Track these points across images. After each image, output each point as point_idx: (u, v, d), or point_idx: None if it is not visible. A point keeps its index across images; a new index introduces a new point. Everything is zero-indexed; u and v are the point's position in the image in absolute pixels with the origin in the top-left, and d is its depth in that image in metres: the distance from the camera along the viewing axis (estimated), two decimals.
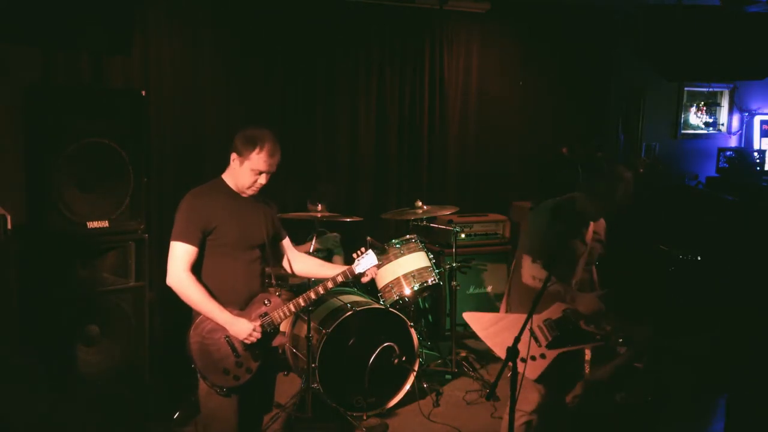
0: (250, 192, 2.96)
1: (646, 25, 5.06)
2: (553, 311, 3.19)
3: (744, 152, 7.76)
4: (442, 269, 5.07)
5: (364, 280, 3.12)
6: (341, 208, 5.20)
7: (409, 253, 4.59)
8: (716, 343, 5.00)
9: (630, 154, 7.16)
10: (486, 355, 5.21)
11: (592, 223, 3.35)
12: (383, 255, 4.49)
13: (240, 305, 2.93)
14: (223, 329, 2.86)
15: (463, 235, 5.59)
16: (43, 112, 3.59)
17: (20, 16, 3.45)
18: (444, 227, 5.35)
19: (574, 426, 3.76)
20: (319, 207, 4.67)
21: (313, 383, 4.10)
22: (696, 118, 7.88)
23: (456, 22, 6.19)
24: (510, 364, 2.61)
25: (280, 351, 4.22)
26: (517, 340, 2.61)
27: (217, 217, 2.88)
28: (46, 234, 3.57)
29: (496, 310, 3.55)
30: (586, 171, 3.28)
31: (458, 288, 5.19)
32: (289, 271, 3.25)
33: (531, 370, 3.03)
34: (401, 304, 4.57)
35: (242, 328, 2.85)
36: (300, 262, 3.27)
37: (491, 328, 3.18)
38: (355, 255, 3.11)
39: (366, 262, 3.08)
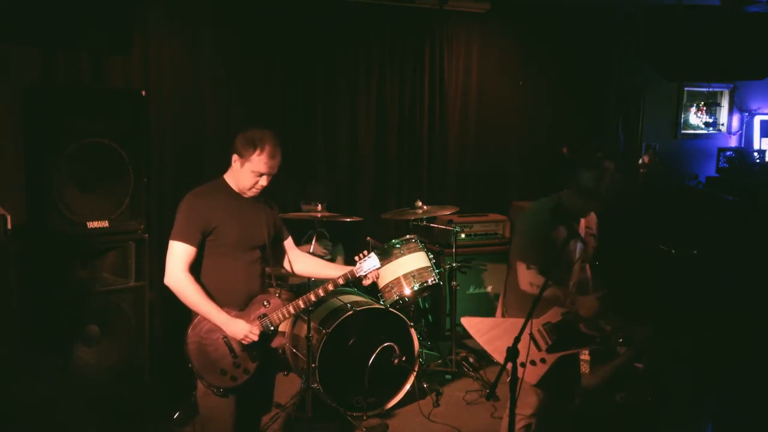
0: (251, 193, 2.96)
1: (646, 25, 5.06)
2: (553, 315, 3.17)
3: (744, 152, 7.77)
4: (442, 269, 5.07)
5: (366, 282, 3.11)
6: (341, 208, 5.20)
7: (409, 253, 4.59)
8: (715, 343, 5.00)
9: (629, 154, 7.16)
10: (486, 356, 5.14)
11: (583, 219, 3.33)
12: (386, 258, 4.49)
13: (239, 306, 2.93)
14: (222, 330, 2.86)
15: (463, 235, 5.59)
16: (43, 112, 3.60)
17: (20, 16, 3.45)
18: (444, 227, 5.35)
19: (575, 427, 3.76)
20: (319, 207, 4.67)
21: (313, 383, 4.10)
22: (696, 118, 7.88)
23: (456, 22, 6.19)
24: (509, 367, 2.59)
25: (279, 352, 4.21)
26: (517, 340, 2.59)
27: (217, 217, 2.88)
28: (46, 234, 3.57)
29: (496, 309, 3.54)
30: (570, 167, 3.25)
31: (458, 288, 5.19)
32: (290, 271, 3.24)
33: (531, 375, 3.01)
34: (401, 304, 4.57)
35: (239, 328, 2.84)
36: (302, 262, 3.26)
37: (489, 333, 3.15)
38: (357, 258, 3.09)
39: (368, 264, 3.06)
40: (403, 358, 4.35)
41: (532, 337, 3.08)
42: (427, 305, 5.65)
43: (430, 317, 5.70)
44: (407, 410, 4.43)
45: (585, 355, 4.67)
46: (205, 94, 5.19)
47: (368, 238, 5.07)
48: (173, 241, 2.84)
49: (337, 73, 5.73)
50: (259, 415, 3.29)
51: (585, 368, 4.70)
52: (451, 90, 6.25)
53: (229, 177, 2.98)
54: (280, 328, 3.03)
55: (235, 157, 2.91)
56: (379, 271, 3.10)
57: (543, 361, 3.10)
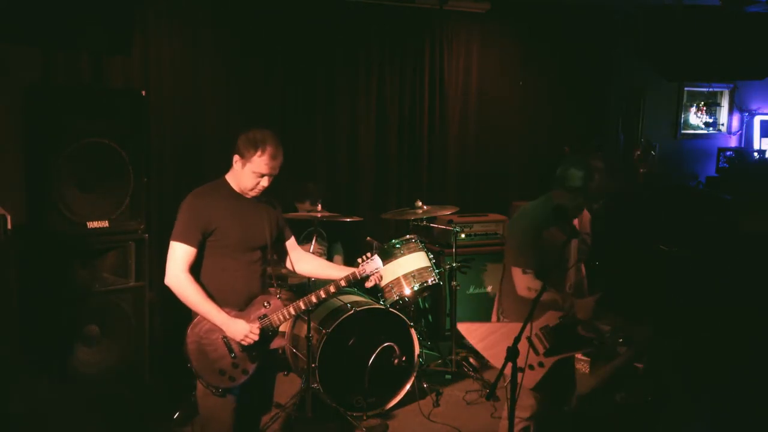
0: (252, 194, 2.95)
1: (646, 25, 5.07)
2: (550, 318, 3.13)
3: (744, 152, 7.77)
4: (442, 269, 5.07)
5: (368, 284, 3.10)
6: (341, 208, 5.20)
7: (409, 253, 4.59)
8: (715, 343, 5.00)
9: (629, 154, 7.17)
10: None
11: (575, 219, 3.30)
12: (386, 258, 4.49)
13: (239, 306, 2.93)
14: (221, 330, 2.86)
15: (463, 235, 5.58)
16: (43, 112, 3.60)
17: (20, 16, 3.45)
18: (444, 227, 5.35)
19: (575, 427, 3.76)
20: (319, 207, 4.66)
21: (313, 383, 4.10)
22: (696, 118, 7.89)
23: (456, 22, 6.19)
24: (507, 372, 2.58)
25: (279, 352, 4.21)
26: (517, 340, 2.58)
27: (218, 218, 2.88)
28: (46, 234, 3.57)
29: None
30: (559, 167, 3.21)
31: (458, 288, 5.19)
32: (293, 270, 3.24)
33: (529, 379, 2.97)
34: (401, 304, 4.57)
35: (239, 329, 2.84)
36: (304, 262, 3.26)
37: (487, 339, 3.11)
38: (360, 260, 3.08)
39: (371, 266, 3.06)
40: (403, 358, 4.35)
41: (530, 341, 3.05)
42: (427, 305, 5.65)
43: (430, 317, 5.71)
44: (407, 410, 4.43)
45: (582, 356, 4.68)
46: (205, 94, 5.18)
47: (368, 238, 5.06)
48: (174, 242, 2.84)
49: (337, 73, 5.73)
50: (259, 415, 3.29)
51: (584, 368, 4.71)
52: (451, 90, 6.25)
53: (230, 177, 2.98)
54: (280, 329, 3.03)
55: (236, 157, 2.91)
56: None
57: (541, 365, 3.08)
